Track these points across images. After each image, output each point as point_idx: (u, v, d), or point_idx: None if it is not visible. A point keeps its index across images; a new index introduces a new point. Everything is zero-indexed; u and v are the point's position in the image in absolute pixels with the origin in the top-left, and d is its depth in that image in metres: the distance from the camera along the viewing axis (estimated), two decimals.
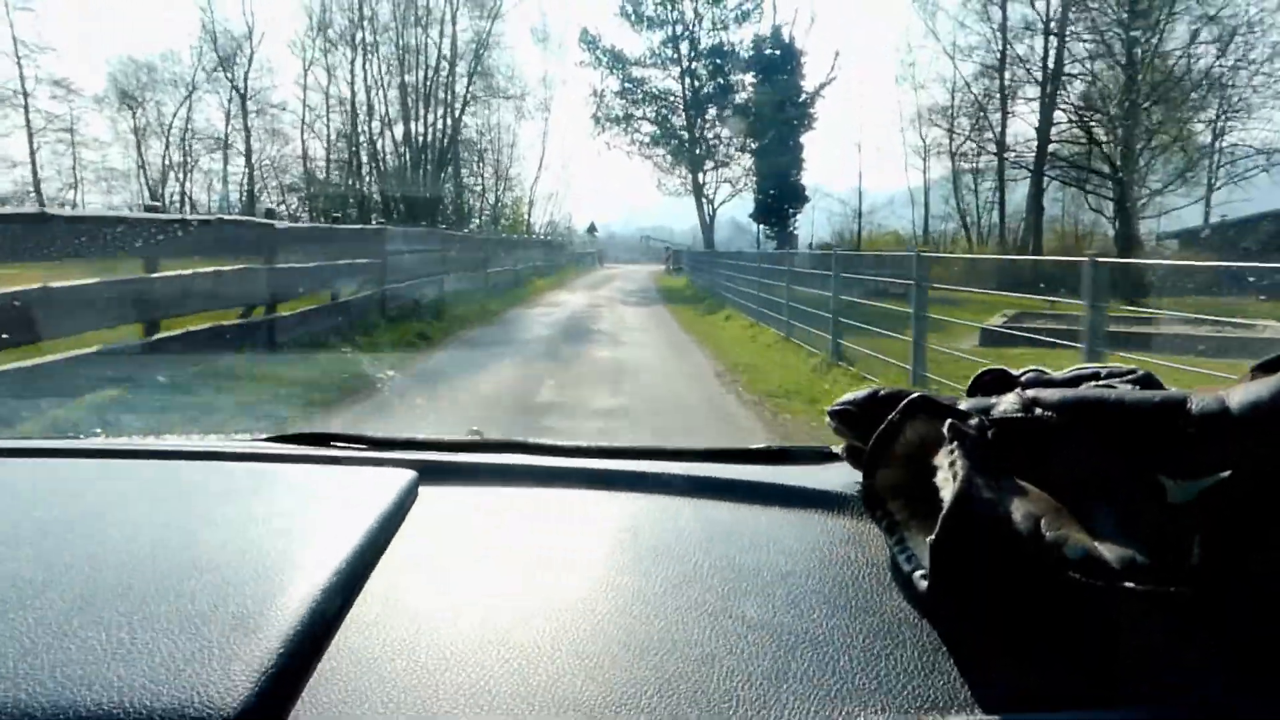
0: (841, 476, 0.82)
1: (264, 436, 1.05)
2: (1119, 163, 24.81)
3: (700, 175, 38.77)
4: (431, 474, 0.86)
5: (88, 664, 0.53)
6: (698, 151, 38.40)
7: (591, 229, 52.90)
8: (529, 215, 42.42)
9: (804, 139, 35.00)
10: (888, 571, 0.67)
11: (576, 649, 0.58)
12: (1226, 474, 0.57)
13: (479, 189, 40.91)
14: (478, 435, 1.15)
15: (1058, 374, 0.71)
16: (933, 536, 0.59)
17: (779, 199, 35.10)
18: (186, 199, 38.29)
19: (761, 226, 36.21)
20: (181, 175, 38.28)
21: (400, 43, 37.22)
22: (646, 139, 39.11)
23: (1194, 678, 0.53)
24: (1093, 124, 26.46)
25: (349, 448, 0.98)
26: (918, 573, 0.62)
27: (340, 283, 10.31)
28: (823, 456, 0.92)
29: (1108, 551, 0.56)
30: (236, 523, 0.74)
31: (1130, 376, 0.68)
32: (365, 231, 12.91)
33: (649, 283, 30.81)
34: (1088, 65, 26.26)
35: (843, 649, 0.58)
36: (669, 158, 39.20)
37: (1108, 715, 0.52)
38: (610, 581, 0.66)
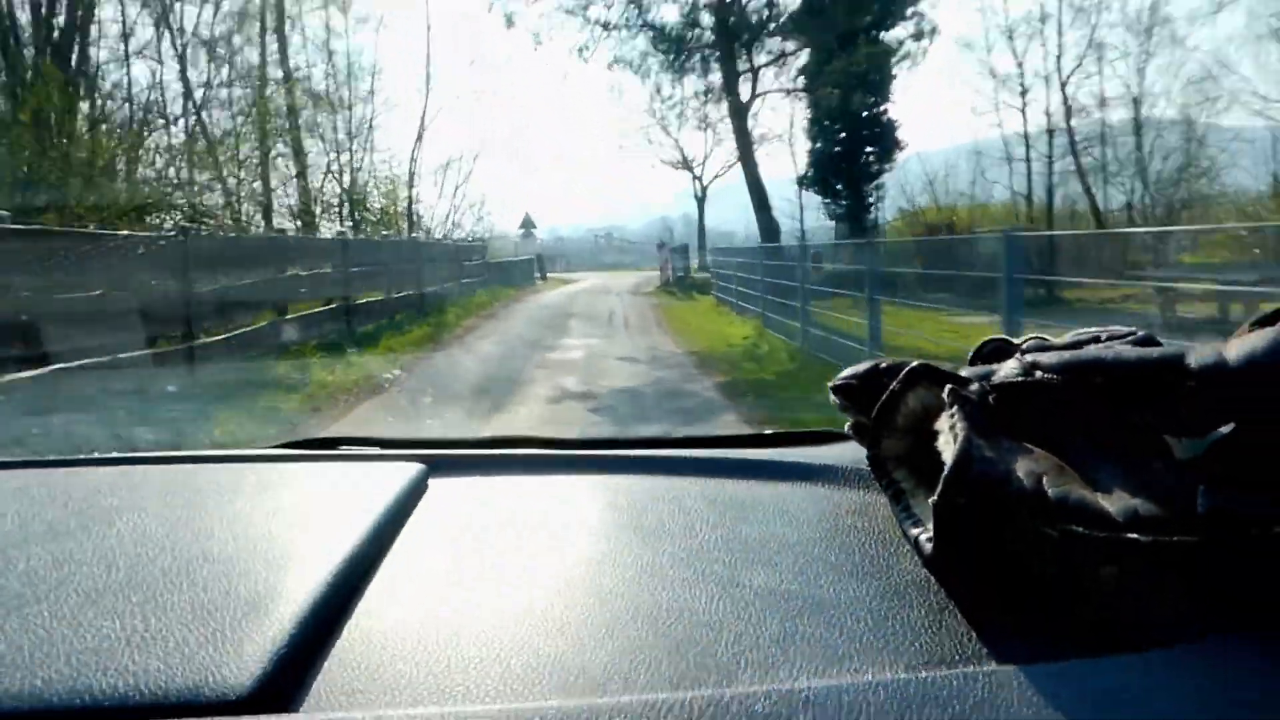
0: (848, 453, 0.83)
1: (273, 445, 1.07)
2: None
3: (738, 88, 23.06)
4: (441, 467, 0.87)
5: (102, 651, 0.54)
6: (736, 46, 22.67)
7: (528, 226, 35.85)
8: (410, 202, 24.02)
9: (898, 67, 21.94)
10: (895, 538, 0.67)
11: (586, 619, 0.58)
12: (1230, 427, 0.58)
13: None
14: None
15: (1058, 340, 0.72)
16: (935, 497, 0.59)
17: (851, 152, 22.23)
18: None
19: (821, 200, 23.25)
20: None
21: None
22: (649, 38, 23.48)
23: (1197, 626, 0.53)
24: None
25: (359, 450, 1.00)
26: (923, 536, 0.62)
27: None
28: (829, 437, 0.93)
29: (1110, 504, 0.57)
30: (246, 517, 0.75)
31: (1130, 337, 0.68)
32: None
33: (650, 315, 15.87)
34: None
35: (849, 612, 0.58)
36: (681, 68, 23.97)
37: (1112, 662, 0.52)
38: (618, 557, 0.67)
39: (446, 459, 0.90)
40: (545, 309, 17.96)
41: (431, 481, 0.84)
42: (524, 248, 35.04)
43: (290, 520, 0.74)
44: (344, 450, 1.00)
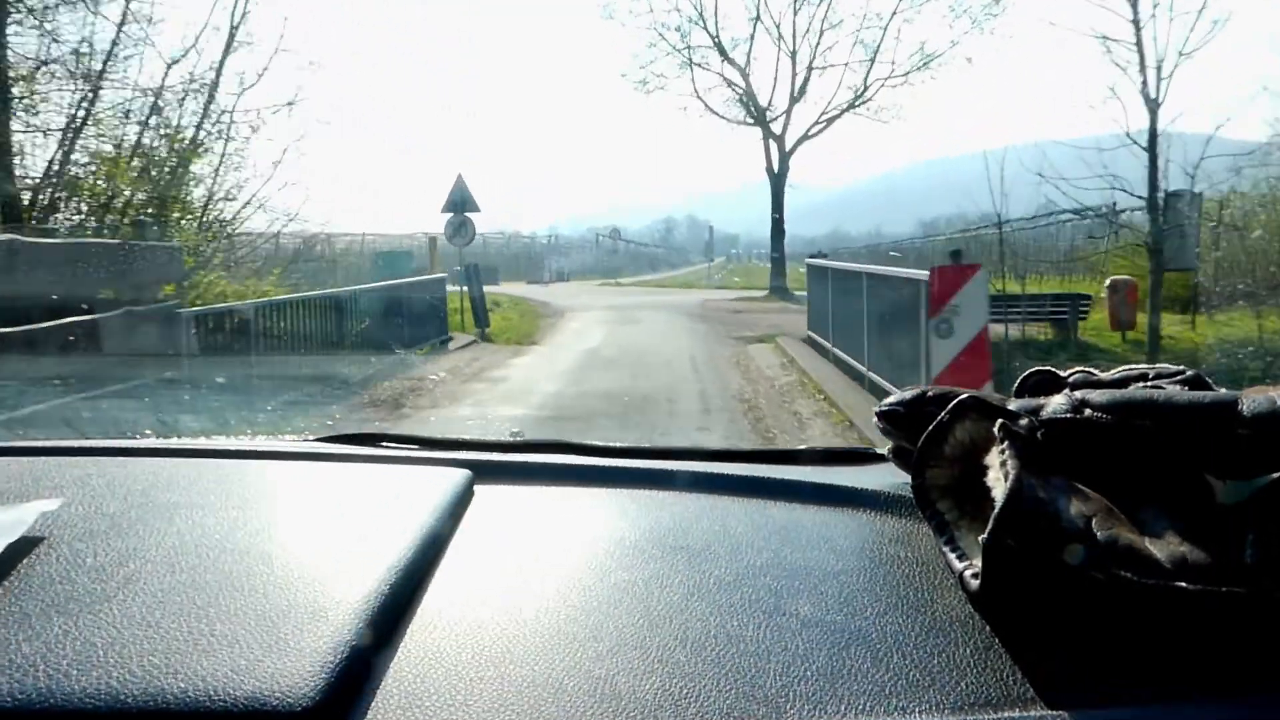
0: (887, 477, 0.83)
1: (316, 437, 1.08)
2: None
3: None
4: (484, 473, 0.88)
5: (171, 655, 0.55)
6: None
7: (458, 208, 15.16)
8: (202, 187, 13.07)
9: None
10: (938, 570, 0.68)
11: (637, 642, 0.59)
12: (1278, 474, 0.58)
13: None
14: (519, 435, 1.18)
15: (1105, 375, 0.72)
16: (985, 535, 0.60)
17: None
18: None
19: None
20: None
21: None
22: None
23: (1247, 677, 0.54)
24: None
25: (400, 448, 1.01)
26: (968, 571, 0.63)
27: None
28: (867, 457, 0.93)
29: (1159, 550, 0.57)
30: (300, 520, 0.76)
31: (1179, 377, 0.68)
32: None
33: None
34: None
35: (895, 647, 0.59)
36: None
37: (1160, 711, 0.53)
38: (665, 578, 0.68)
39: (491, 464, 0.91)
40: None
41: (477, 488, 0.86)
42: (446, 264, 16.19)
43: (343, 523, 0.75)
44: (387, 448, 1.02)
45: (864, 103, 26.01)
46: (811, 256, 14.01)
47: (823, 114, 26.49)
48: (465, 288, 14.68)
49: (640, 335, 14.00)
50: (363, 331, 10.71)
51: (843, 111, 26.23)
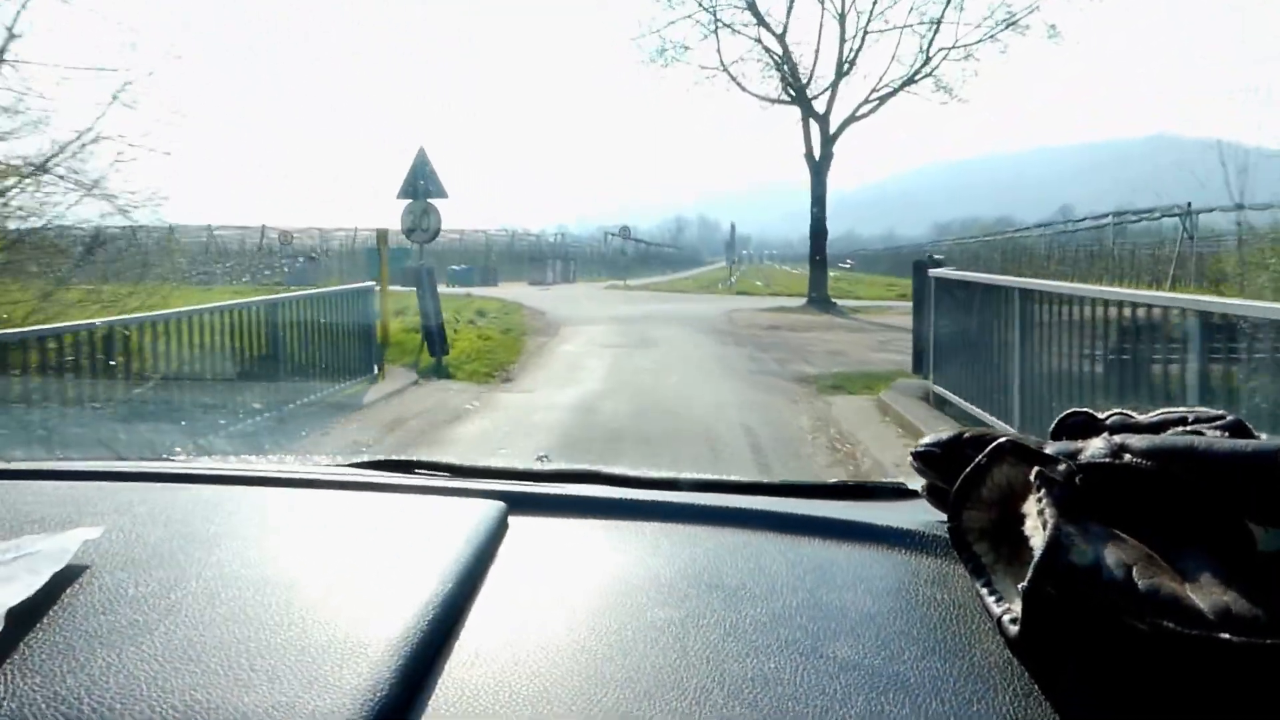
0: (921, 514, 0.83)
1: (348, 463, 1.09)
2: None
3: None
4: (517, 504, 0.89)
5: (212, 689, 0.56)
6: None
7: (419, 198, 11.50)
8: None
9: None
10: (975, 614, 0.68)
11: (674, 683, 0.59)
12: None
13: None
14: (545, 458, 1.18)
15: (1143, 417, 0.72)
16: (1024, 583, 0.60)
17: None
18: None
19: None
20: None
21: None
22: None
23: None
24: None
25: (433, 475, 1.02)
26: (1007, 616, 0.63)
27: None
28: (902, 493, 0.93)
29: (1201, 600, 0.57)
30: (338, 552, 0.77)
31: (1219, 422, 0.68)
32: None
33: None
34: None
35: (934, 692, 0.59)
36: None
37: None
38: (701, 617, 0.68)
39: (522, 496, 0.92)
40: None
41: (511, 520, 0.86)
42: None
43: (381, 555, 0.76)
44: (420, 476, 1.02)
45: (926, 76, 22.03)
46: (924, 262, 8.75)
47: (873, 91, 22.24)
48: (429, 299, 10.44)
49: (656, 371, 10.24)
50: (243, 369, 7.00)
51: (899, 88, 22.11)
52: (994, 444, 0.69)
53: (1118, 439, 0.66)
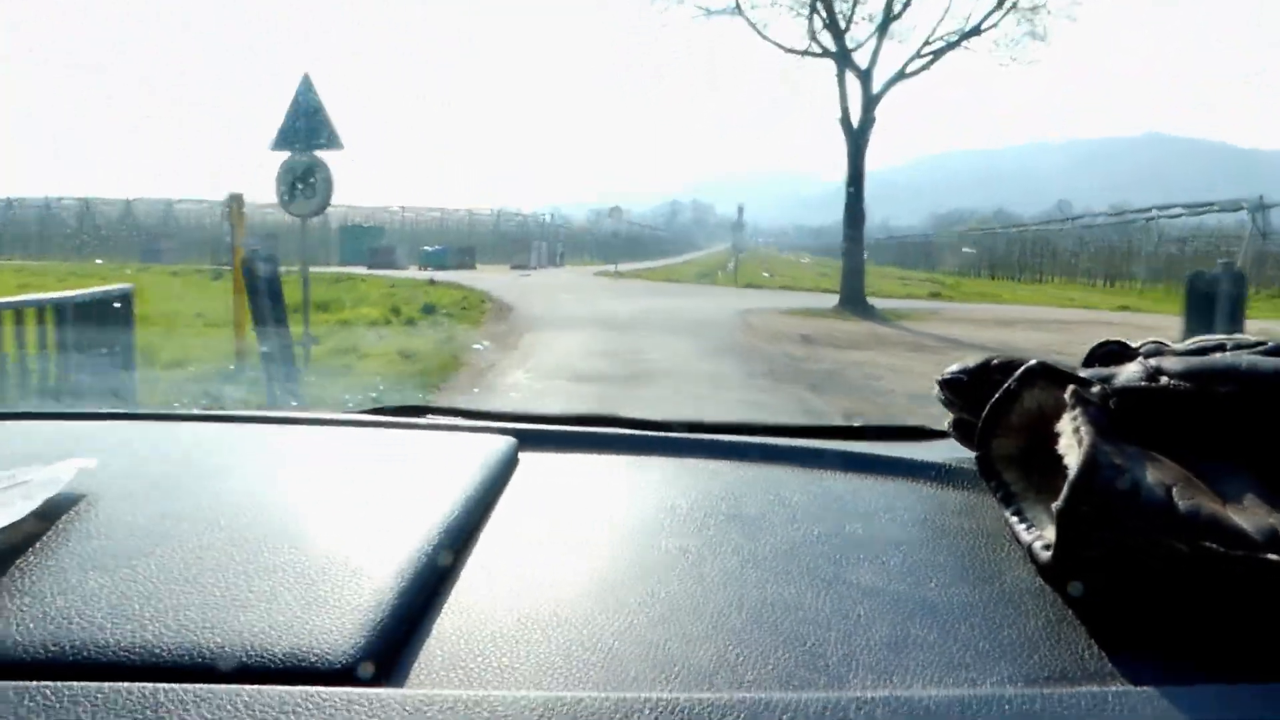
0: (948, 452, 0.81)
1: (360, 410, 1.07)
2: None
3: None
4: (530, 441, 0.87)
5: (207, 609, 0.53)
6: None
7: (301, 151, 6.62)
8: None
9: None
10: (1005, 542, 0.65)
11: (690, 609, 0.57)
12: None
13: None
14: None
15: (1179, 344, 0.70)
16: (1059, 504, 0.57)
17: None
18: None
19: None
20: None
21: None
22: None
23: None
24: None
25: (445, 418, 1.00)
26: (1038, 542, 0.61)
27: None
28: (927, 434, 0.91)
29: (1245, 521, 0.55)
30: (344, 483, 0.75)
31: (1260, 347, 0.66)
32: None
33: None
34: None
35: (963, 618, 0.56)
36: None
37: (1245, 690, 0.50)
38: (719, 545, 0.66)
39: (536, 433, 0.89)
40: None
41: (522, 455, 0.84)
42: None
43: (385, 487, 0.74)
44: (432, 419, 1.00)
45: (991, 27, 17.91)
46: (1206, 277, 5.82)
47: (924, 44, 18.00)
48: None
49: None
50: None
51: (957, 41, 18.03)
52: (1024, 367, 0.66)
53: (1153, 362, 0.64)
